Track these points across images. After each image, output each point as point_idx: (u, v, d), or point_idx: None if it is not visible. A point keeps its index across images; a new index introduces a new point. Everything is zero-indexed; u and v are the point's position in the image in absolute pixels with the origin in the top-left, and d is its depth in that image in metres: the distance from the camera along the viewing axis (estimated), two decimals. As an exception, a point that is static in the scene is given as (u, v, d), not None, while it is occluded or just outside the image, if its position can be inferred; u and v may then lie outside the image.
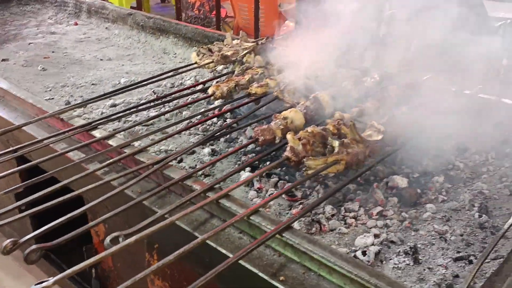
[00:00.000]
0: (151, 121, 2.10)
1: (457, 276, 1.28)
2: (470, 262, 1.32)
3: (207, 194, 1.36)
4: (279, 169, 1.76)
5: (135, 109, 2.09)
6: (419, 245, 1.40)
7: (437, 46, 2.34)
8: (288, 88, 1.88)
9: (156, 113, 2.17)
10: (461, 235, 1.43)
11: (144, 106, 2.11)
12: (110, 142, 1.66)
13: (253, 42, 2.38)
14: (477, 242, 1.40)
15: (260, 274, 1.16)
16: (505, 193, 1.62)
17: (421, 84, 1.97)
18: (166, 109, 2.19)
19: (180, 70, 2.47)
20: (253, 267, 1.18)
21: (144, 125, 2.10)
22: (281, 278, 1.15)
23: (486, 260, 1.27)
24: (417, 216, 1.53)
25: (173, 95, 2.22)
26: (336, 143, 1.51)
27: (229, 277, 1.20)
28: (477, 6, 4.26)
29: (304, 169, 1.50)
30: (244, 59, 2.23)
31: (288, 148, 1.53)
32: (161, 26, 3.12)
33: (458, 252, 1.37)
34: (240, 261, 1.15)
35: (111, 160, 1.53)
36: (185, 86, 2.41)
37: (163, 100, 2.20)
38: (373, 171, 1.71)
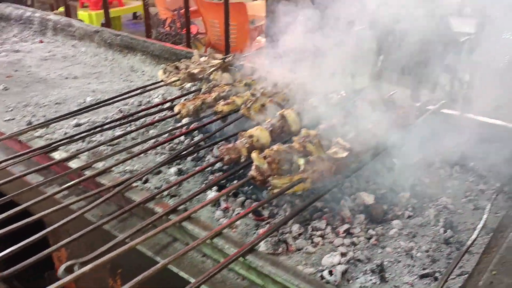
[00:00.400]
0: (117, 141, 2.05)
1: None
2: (436, 279, 1.32)
3: (169, 217, 1.32)
4: (246, 187, 1.74)
5: (99, 129, 2.05)
6: (385, 263, 1.39)
7: (403, 61, 2.38)
8: (255, 105, 1.87)
9: (122, 132, 2.13)
10: (427, 251, 1.43)
11: (109, 126, 2.07)
12: (71, 164, 1.60)
13: (220, 59, 2.37)
14: (443, 258, 1.40)
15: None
16: (469, 207, 1.63)
17: (387, 100, 1.99)
18: (132, 128, 2.15)
19: (148, 88, 2.44)
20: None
21: (109, 145, 2.05)
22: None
23: (451, 277, 1.28)
24: (384, 233, 1.52)
25: (139, 114, 2.19)
26: (301, 161, 1.50)
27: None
28: (442, 22, 4.37)
29: (269, 188, 1.48)
30: (211, 77, 2.21)
31: (253, 167, 1.51)
32: (128, 44, 3.08)
33: (424, 269, 1.36)
34: (202, 286, 1.12)
35: (70, 183, 1.48)
36: (153, 104, 2.38)
37: (130, 118, 2.16)
38: (341, 188, 1.70)
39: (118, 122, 2.11)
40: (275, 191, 1.46)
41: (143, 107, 2.48)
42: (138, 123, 2.24)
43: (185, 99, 2.17)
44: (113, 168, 1.79)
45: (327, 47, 2.40)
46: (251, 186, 1.74)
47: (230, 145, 1.63)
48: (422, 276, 1.33)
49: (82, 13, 7.38)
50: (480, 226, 1.37)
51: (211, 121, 1.98)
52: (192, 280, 1.15)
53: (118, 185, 1.47)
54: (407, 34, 2.46)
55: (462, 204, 1.65)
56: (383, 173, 1.83)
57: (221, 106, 1.96)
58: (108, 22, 4.46)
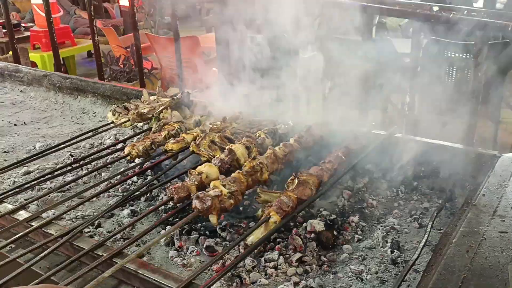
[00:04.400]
0: (68, 187, 2.03)
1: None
2: (385, 300, 1.36)
3: (114, 260, 1.32)
4: (199, 224, 1.75)
5: (49, 176, 2.02)
6: (338, 289, 1.42)
7: (349, 85, 2.48)
8: (204, 141, 1.90)
9: (73, 177, 2.11)
10: (376, 273, 1.47)
11: (59, 172, 2.05)
12: (17, 216, 1.58)
13: (169, 97, 2.40)
14: (391, 279, 1.45)
15: None
16: (414, 226, 1.70)
17: (331, 127, 2.06)
18: (84, 172, 2.13)
19: (99, 130, 2.44)
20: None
21: (59, 192, 2.03)
22: None
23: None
24: (335, 258, 1.56)
25: (91, 157, 2.17)
26: (260, 210, 1.56)
27: None
28: (385, 44, 4.57)
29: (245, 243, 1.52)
30: (161, 115, 2.24)
31: (194, 199, 1.54)
32: (78, 86, 3.07)
33: (374, 291, 1.41)
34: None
35: (16, 236, 1.45)
36: (104, 146, 2.37)
37: (81, 162, 2.15)
38: (291, 217, 1.73)
39: (69, 167, 2.09)
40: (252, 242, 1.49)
41: (95, 149, 2.47)
42: (90, 166, 2.23)
43: (137, 139, 2.18)
44: (64, 215, 1.77)
45: (277, 76, 2.48)
46: (203, 222, 1.75)
47: (178, 184, 1.65)
48: (372, 299, 1.37)
49: (34, 55, 7.29)
50: (421, 245, 1.43)
51: (162, 160, 1.99)
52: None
53: (66, 234, 1.46)
54: (353, 58, 2.56)
55: (408, 223, 1.72)
56: (333, 198, 1.88)
57: (170, 145, 1.98)
58: (58, 63, 4.43)
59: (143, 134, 2.34)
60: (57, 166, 2.23)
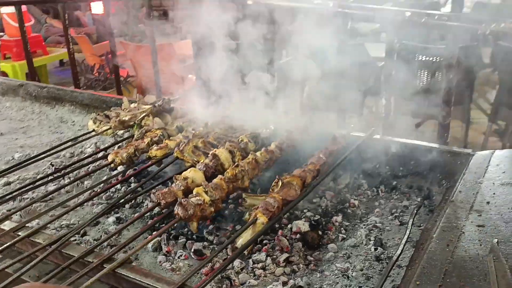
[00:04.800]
0: (50, 196, 2.02)
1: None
2: (371, 295, 1.41)
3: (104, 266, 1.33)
4: (187, 229, 1.77)
5: (31, 186, 2.00)
6: (325, 286, 1.46)
7: (324, 89, 2.54)
8: (187, 147, 1.92)
9: (56, 186, 2.10)
10: (361, 270, 1.52)
11: (41, 181, 2.03)
12: (2, 226, 1.57)
13: (150, 104, 2.41)
14: (375, 275, 1.49)
15: None
16: (395, 223, 1.75)
17: (311, 131, 2.11)
18: (66, 182, 2.12)
19: (80, 139, 2.43)
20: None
21: (42, 201, 2.01)
22: None
23: (385, 291, 1.37)
24: (321, 257, 1.60)
25: (73, 166, 2.16)
26: (247, 214, 1.58)
27: None
28: (359, 49, 4.68)
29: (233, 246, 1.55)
30: (143, 122, 2.25)
31: (177, 205, 1.56)
32: (56, 95, 3.05)
33: (360, 287, 1.45)
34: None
35: (3, 247, 1.44)
36: (86, 155, 2.36)
37: (63, 172, 2.14)
38: (276, 220, 1.77)
39: (50, 177, 2.08)
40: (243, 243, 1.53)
41: (76, 158, 2.46)
42: (72, 175, 2.21)
43: (118, 147, 2.18)
44: (48, 225, 1.76)
45: (255, 82, 2.52)
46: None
47: (165, 190, 1.66)
48: (359, 295, 1.42)
49: (4, 65, 7.15)
50: (403, 241, 1.48)
51: (146, 167, 2.00)
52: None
53: (54, 243, 1.46)
54: (330, 63, 2.62)
55: (389, 221, 1.78)
56: (316, 199, 1.93)
57: (154, 151, 1.99)
58: (32, 73, 4.37)
59: (125, 141, 2.35)
60: (38, 176, 2.22)
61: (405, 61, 4.03)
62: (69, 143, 2.41)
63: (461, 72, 2.87)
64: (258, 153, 1.87)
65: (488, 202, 1.49)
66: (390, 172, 2.02)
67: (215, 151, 1.87)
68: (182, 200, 1.55)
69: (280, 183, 1.64)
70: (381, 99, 4.06)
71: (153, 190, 1.90)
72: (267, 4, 3.20)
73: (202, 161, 1.86)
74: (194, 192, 1.62)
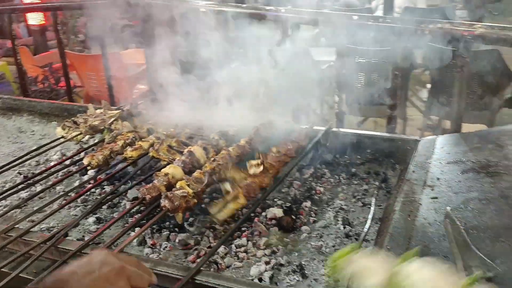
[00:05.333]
0: (24, 204, 2.05)
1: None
2: (345, 266, 1.58)
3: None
4: (168, 222, 1.87)
5: (4, 194, 2.02)
6: (303, 262, 1.62)
7: (276, 89, 2.71)
8: (162, 147, 2.02)
9: (28, 194, 2.13)
10: (334, 246, 1.70)
11: (14, 190, 2.05)
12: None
13: (117, 109, 2.48)
14: (347, 249, 1.68)
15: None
16: (359, 205, 1.95)
17: (276, 126, 2.28)
18: (38, 189, 2.15)
19: (47, 146, 2.45)
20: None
21: (18, 208, 2.03)
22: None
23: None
24: (296, 238, 1.77)
25: (44, 174, 2.19)
26: (227, 185, 1.70)
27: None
28: (303, 52, 4.92)
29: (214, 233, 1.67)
30: (113, 126, 2.31)
31: (163, 198, 1.67)
32: (12, 105, 3.02)
33: (335, 260, 1.62)
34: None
35: (-3, 247, 1.49)
36: (54, 162, 2.39)
37: (34, 180, 2.16)
38: (252, 209, 1.91)
39: (22, 185, 2.11)
40: (220, 217, 1.64)
41: (42, 166, 2.48)
42: (42, 182, 2.24)
43: (93, 150, 2.24)
44: (31, 229, 1.80)
45: (210, 84, 2.65)
46: (172, 221, 1.88)
47: (149, 185, 1.76)
48: (334, 267, 1.59)
49: None
50: (370, 216, 1.68)
51: (122, 168, 2.08)
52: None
53: (48, 240, 1.52)
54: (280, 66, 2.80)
55: (352, 203, 1.97)
56: (285, 190, 2.09)
57: (129, 152, 2.07)
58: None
59: (91, 148, 2.40)
60: (7, 185, 2.23)
61: (349, 64, 4.31)
62: (40, 151, 2.43)
63: (398, 72, 3.14)
64: (230, 148, 2.01)
65: (438, 178, 1.72)
66: (349, 161, 2.23)
67: (190, 148, 1.99)
68: (168, 193, 1.66)
69: (261, 167, 1.78)
70: (334, 97, 4.33)
71: (132, 189, 2.00)
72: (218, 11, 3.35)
73: (178, 158, 1.97)
74: (178, 185, 1.73)
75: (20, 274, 1.42)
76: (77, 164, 2.29)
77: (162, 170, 1.87)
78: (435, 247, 1.34)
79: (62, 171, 2.31)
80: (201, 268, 1.39)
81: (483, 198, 1.51)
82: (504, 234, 1.29)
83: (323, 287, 1.49)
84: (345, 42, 4.31)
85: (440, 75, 4.59)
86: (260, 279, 1.54)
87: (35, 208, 1.92)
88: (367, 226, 1.67)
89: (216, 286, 1.33)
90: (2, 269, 1.44)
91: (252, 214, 1.89)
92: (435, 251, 1.32)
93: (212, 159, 1.90)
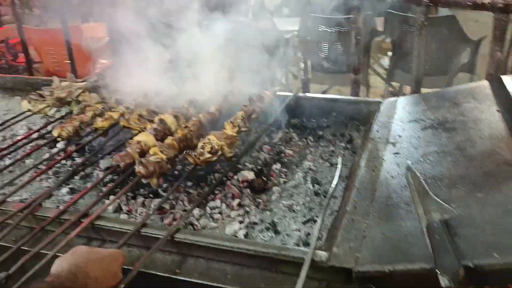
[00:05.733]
0: (-5, 176, 2.04)
1: (308, 234, 1.62)
2: (315, 221, 1.67)
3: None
4: (142, 189, 1.91)
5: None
6: (275, 220, 1.70)
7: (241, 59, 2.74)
8: (133, 116, 2.04)
9: (-4, 167, 2.12)
10: (304, 204, 1.78)
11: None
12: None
13: (83, 81, 2.46)
14: (316, 206, 1.77)
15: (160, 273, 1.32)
16: (326, 165, 2.04)
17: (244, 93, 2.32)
18: (7, 163, 2.14)
19: (13, 121, 2.41)
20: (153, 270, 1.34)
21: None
22: (177, 271, 1.34)
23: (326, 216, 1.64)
24: (268, 199, 1.84)
25: (11, 147, 2.17)
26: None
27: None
28: (267, 22, 4.94)
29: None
30: (80, 98, 2.30)
31: (137, 164, 1.71)
32: (-28, 81, 2.94)
33: (305, 217, 1.71)
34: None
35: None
36: (21, 136, 2.36)
37: (2, 154, 2.14)
38: (224, 173, 1.97)
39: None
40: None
41: (9, 141, 2.45)
42: (11, 156, 2.22)
43: (60, 123, 2.23)
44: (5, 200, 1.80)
45: (176, 54, 2.65)
46: (146, 187, 1.92)
47: (123, 153, 1.79)
48: (305, 222, 1.68)
49: None
50: (337, 174, 1.77)
51: (93, 139, 2.09)
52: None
53: (24, 209, 1.53)
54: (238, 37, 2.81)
55: (320, 164, 2.06)
56: (255, 154, 2.16)
57: (100, 123, 2.08)
58: None
59: (65, 118, 2.38)
60: (-26, 160, 2.20)
61: (312, 32, 4.37)
62: (1, 127, 2.39)
63: (360, 40, 3.22)
64: (200, 115, 2.04)
65: (400, 136, 1.82)
66: (316, 125, 2.31)
67: (161, 116, 2.02)
68: (142, 159, 1.70)
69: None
70: (300, 64, 4.39)
71: (105, 159, 2.02)
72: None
73: (149, 127, 1.99)
74: (151, 152, 1.77)
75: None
76: (45, 137, 2.28)
77: (134, 138, 1.89)
78: (398, 197, 1.43)
79: (30, 144, 2.30)
80: (179, 227, 1.44)
81: (440, 151, 1.61)
82: (459, 182, 1.40)
83: (295, 241, 1.58)
84: (308, 11, 4.37)
85: (400, 42, 4.71)
86: (235, 237, 1.61)
87: (5, 181, 1.92)
88: (334, 182, 1.75)
89: (195, 242, 1.39)
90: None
91: (224, 178, 1.96)
92: (397, 200, 1.42)
93: (184, 126, 1.94)
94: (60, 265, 1.08)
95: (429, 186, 1.39)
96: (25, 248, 1.42)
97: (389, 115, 2.03)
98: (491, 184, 1.33)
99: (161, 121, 1.98)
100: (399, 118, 1.97)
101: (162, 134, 1.96)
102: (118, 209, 1.83)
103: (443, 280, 0.99)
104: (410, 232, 1.25)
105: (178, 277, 1.34)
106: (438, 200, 1.29)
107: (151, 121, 2.05)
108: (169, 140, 1.85)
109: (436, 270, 1.03)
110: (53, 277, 1.05)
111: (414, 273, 1.11)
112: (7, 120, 2.44)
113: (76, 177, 2.05)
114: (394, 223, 1.32)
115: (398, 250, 1.20)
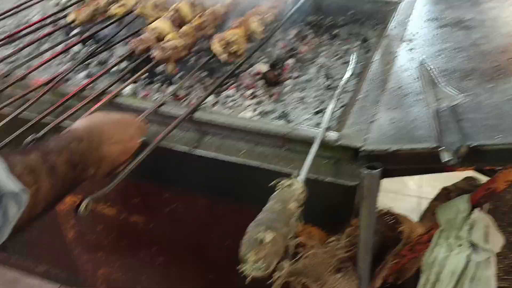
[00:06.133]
0: (14, 57, 2.07)
1: (318, 123, 1.67)
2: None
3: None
4: (159, 76, 1.95)
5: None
6: (288, 110, 1.76)
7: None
8: (149, 3, 2.02)
9: (13, 49, 2.14)
10: (315, 97, 1.83)
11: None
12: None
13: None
14: (327, 99, 1.81)
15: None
16: (339, 63, 2.05)
17: None
18: (23, 44, 2.16)
19: (23, 6, 2.41)
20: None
21: (4, 63, 2.06)
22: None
23: (335, 109, 1.68)
24: (281, 91, 1.88)
25: (26, 30, 2.18)
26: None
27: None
28: None
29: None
30: (95, -16, 2.27)
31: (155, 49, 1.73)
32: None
33: (316, 108, 1.76)
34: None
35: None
36: (36, 21, 2.36)
37: (18, 35, 2.16)
38: (238, 65, 1.98)
39: (4, 41, 2.12)
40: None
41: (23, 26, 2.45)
42: (25, 41, 2.24)
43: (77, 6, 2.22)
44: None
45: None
46: (162, 74, 1.96)
47: (140, 37, 1.81)
48: (316, 113, 1.73)
49: None
50: (350, 67, 1.78)
51: (107, 25, 2.09)
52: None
53: (46, 84, 1.59)
54: None
55: (334, 61, 2.07)
56: (268, 50, 2.16)
57: (114, 9, 2.07)
58: None
59: (72, 7, 2.37)
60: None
61: None
62: (12, 12, 2.39)
63: None
64: (217, 5, 2.03)
65: (416, 33, 1.82)
66: (332, 23, 2.29)
67: (177, 5, 2.00)
68: (159, 43, 1.72)
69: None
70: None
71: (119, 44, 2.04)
72: None
73: (165, 15, 1.99)
74: (167, 38, 1.78)
75: (20, 116, 1.51)
76: (59, 24, 2.28)
77: (150, 25, 1.90)
78: (409, 87, 1.47)
79: (44, 28, 2.30)
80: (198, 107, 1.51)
81: (455, 47, 1.62)
82: (471, 74, 1.42)
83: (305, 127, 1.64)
84: None
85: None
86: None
87: (23, 61, 1.95)
88: (347, 75, 1.77)
89: (210, 122, 1.46)
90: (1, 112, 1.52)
91: (237, 71, 1.99)
92: (407, 91, 1.46)
93: (200, 14, 1.93)
94: (76, 123, 1.14)
95: (441, 78, 1.42)
96: (46, 122, 1.49)
97: (407, 14, 2.01)
98: (502, 75, 1.36)
99: (177, 10, 1.97)
100: (418, 16, 1.95)
101: (179, 22, 1.95)
102: (135, 94, 1.88)
103: (446, 155, 1.05)
104: (418, 117, 1.30)
105: (195, 153, 1.42)
106: (448, 88, 1.33)
107: (167, 10, 2.04)
108: (185, 27, 1.86)
109: (439, 146, 1.09)
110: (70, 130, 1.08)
111: (418, 151, 1.17)
112: (21, 4, 2.44)
113: (93, 64, 2.08)
114: (403, 110, 1.37)
115: (405, 132, 1.26)
